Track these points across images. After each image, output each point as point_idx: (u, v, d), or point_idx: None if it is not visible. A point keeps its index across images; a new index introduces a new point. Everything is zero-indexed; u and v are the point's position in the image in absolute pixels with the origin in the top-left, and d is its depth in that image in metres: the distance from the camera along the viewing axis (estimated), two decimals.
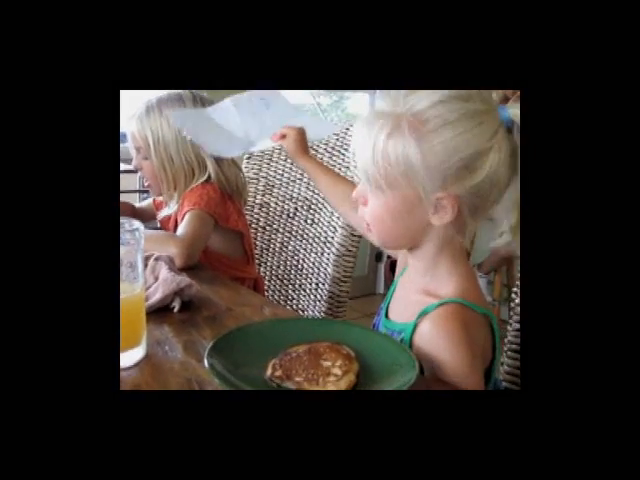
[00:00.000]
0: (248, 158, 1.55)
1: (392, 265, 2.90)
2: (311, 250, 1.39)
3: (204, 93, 1.26)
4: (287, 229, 1.47)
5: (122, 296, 0.64)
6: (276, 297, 1.48)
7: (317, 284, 1.35)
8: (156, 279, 0.89)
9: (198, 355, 0.69)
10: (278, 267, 1.49)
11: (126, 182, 2.01)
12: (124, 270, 0.66)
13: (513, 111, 0.67)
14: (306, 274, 1.40)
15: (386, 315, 0.79)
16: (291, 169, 1.48)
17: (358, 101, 3.49)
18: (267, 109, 1.15)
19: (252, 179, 1.53)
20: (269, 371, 0.61)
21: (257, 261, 1.49)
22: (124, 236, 0.66)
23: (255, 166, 1.54)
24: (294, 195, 1.46)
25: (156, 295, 0.84)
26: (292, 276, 1.45)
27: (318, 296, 1.35)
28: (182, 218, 1.17)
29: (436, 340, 0.67)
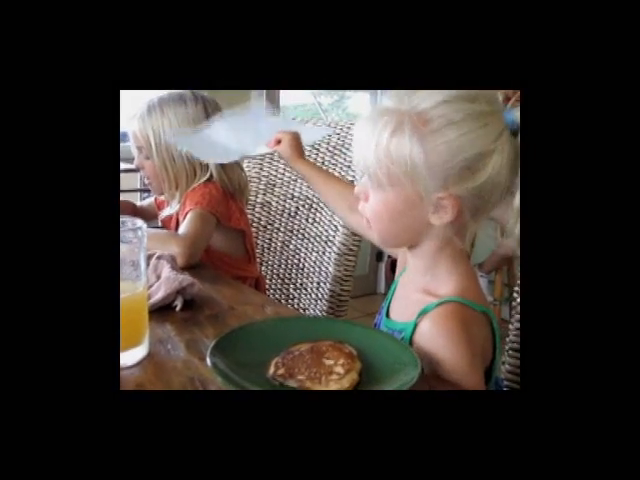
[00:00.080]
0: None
1: (393, 265, 2.89)
2: (312, 249, 1.39)
3: (205, 93, 1.26)
4: (288, 228, 1.47)
5: (125, 295, 0.64)
6: (277, 296, 1.48)
7: (318, 283, 1.35)
8: (158, 278, 0.89)
9: (200, 354, 0.69)
10: (279, 266, 1.50)
11: (127, 181, 2.02)
12: (127, 269, 0.66)
13: (519, 114, 0.67)
14: (307, 273, 1.41)
15: (387, 315, 0.79)
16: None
17: (359, 101, 3.50)
18: (258, 122, 1.16)
19: (253, 178, 1.53)
20: (272, 369, 0.61)
21: (258, 260, 1.50)
22: (127, 235, 0.66)
23: (256, 165, 1.55)
24: (295, 194, 1.46)
25: (158, 294, 0.84)
26: (293, 275, 1.45)
27: (319, 295, 1.35)
28: (184, 217, 1.17)
29: (436, 339, 0.67)
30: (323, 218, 1.38)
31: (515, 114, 0.67)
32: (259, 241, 1.53)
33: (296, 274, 1.44)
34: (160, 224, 1.37)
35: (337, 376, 0.59)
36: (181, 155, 1.20)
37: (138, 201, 1.60)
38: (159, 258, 0.93)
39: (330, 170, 1.33)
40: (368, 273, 3.33)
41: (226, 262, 1.25)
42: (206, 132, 1.15)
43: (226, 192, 1.24)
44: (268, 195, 1.52)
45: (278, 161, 1.52)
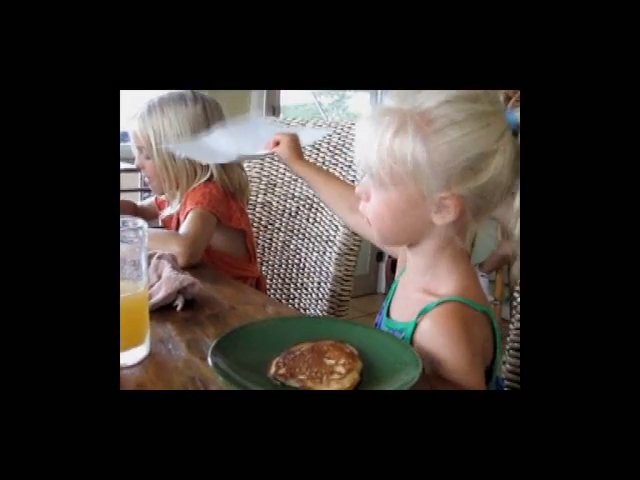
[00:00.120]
0: None
1: (393, 264, 2.89)
2: (313, 249, 1.39)
3: (205, 93, 1.26)
4: (289, 228, 1.47)
5: (125, 294, 0.64)
6: (278, 296, 1.48)
7: (319, 283, 1.36)
8: (159, 277, 0.89)
9: (202, 353, 0.69)
10: (280, 266, 1.50)
11: (127, 181, 2.02)
12: (127, 268, 0.67)
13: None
14: (308, 273, 1.41)
15: (388, 314, 0.79)
16: None
17: (359, 101, 3.50)
18: (258, 130, 1.17)
19: (254, 178, 1.53)
20: (273, 369, 0.61)
21: (259, 260, 1.50)
22: (127, 234, 0.66)
23: (257, 165, 1.55)
24: (296, 194, 1.46)
25: (159, 293, 0.84)
26: (294, 275, 1.45)
27: (320, 295, 1.35)
28: (185, 217, 1.17)
29: (436, 338, 0.67)
30: (324, 218, 1.38)
31: (517, 114, 0.67)
32: (260, 241, 1.53)
33: (297, 274, 1.44)
34: (161, 224, 1.37)
35: (338, 376, 0.59)
36: None
37: (139, 201, 1.60)
38: (160, 258, 0.93)
39: (331, 170, 1.33)
40: (369, 273, 3.33)
41: (227, 262, 1.25)
42: (205, 140, 1.15)
43: (227, 192, 1.24)
44: (269, 195, 1.52)
45: (278, 161, 1.51)
